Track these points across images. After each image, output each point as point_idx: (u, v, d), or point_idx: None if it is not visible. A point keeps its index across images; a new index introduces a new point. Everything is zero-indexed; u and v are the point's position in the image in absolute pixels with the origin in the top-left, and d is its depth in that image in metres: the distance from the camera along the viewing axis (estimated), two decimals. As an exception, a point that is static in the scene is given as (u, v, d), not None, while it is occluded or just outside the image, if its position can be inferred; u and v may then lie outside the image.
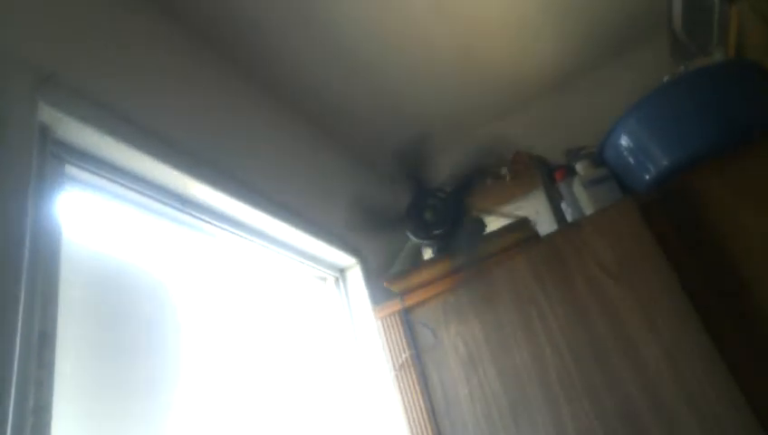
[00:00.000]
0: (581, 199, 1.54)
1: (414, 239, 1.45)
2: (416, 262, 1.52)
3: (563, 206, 1.65)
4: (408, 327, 1.46)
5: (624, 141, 1.46)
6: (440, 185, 1.43)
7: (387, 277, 1.52)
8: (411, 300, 1.48)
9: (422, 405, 1.37)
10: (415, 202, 1.42)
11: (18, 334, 0.74)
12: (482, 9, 1.76)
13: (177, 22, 1.47)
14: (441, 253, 1.47)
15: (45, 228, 0.89)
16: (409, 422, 1.37)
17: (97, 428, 0.92)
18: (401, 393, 1.41)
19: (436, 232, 1.41)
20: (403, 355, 1.44)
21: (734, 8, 1.41)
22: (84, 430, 0.89)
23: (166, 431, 1.02)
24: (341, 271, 1.83)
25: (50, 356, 0.82)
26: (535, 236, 1.44)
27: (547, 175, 1.78)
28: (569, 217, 1.61)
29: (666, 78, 1.44)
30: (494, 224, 1.55)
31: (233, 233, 1.41)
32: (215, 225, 1.36)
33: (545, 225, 1.60)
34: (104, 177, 1.10)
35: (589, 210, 1.49)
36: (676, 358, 1.15)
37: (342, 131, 2.11)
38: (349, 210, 1.71)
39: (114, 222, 1.15)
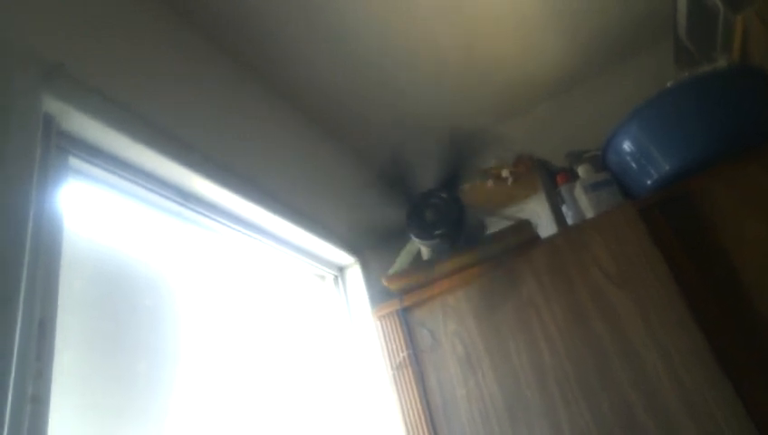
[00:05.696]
0: (582, 203, 1.54)
1: (416, 240, 1.45)
2: (415, 262, 1.52)
3: (564, 209, 1.65)
4: (407, 327, 1.46)
5: (626, 146, 1.46)
6: (437, 185, 1.42)
7: (386, 277, 1.52)
8: (410, 300, 1.48)
9: (419, 405, 1.37)
10: (416, 203, 1.42)
11: (18, 324, 0.74)
12: (486, 10, 1.76)
13: (184, 18, 1.47)
14: (441, 253, 1.47)
15: (47, 219, 0.89)
16: (406, 422, 1.37)
17: (96, 419, 0.92)
18: (398, 393, 1.41)
19: (438, 232, 1.41)
20: (401, 355, 1.44)
21: (740, 15, 1.41)
22: (84, 421, 0.89)
23: (165, 424, 1.02)
24: (341, 269, 1.83)
25: (49, 346, 0.82)
26: (536, 238, 1.44)
27: (549, 178, 1.78)
28: (569, 221, 1.61)
29: (669, 83, 1.44)
30: (495, 226, 1.55)
31: (234, 229, 1.41)
32: (216, 220, 1.36)
33: (546, 228, 1.60)
34: (108, 169, 1.09)
35: (589, 214, 1.48)
36: (674, 363, 1.15)
37: (344, 129, 2.11)
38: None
39: (117, 215, 1.15)
